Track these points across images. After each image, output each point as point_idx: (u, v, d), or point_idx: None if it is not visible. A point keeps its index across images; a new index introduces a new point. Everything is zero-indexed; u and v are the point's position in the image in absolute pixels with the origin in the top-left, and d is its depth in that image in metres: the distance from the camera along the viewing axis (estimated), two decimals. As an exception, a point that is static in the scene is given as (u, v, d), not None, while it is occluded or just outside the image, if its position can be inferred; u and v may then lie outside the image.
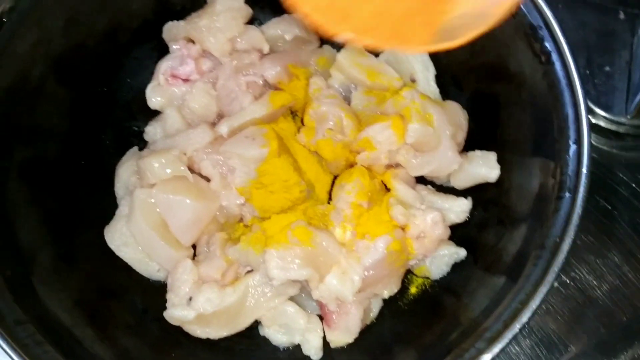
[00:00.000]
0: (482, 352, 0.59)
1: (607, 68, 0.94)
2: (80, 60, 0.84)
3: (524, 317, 0.59)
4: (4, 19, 0.73)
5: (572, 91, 0.67)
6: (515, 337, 0.76)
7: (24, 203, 0.76)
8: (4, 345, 0.60)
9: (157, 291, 0.83)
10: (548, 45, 0.69)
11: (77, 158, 0.85)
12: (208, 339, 0.79)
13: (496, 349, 0.59)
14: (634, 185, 0.88)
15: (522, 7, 0.72)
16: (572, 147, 0.65)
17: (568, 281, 0.84)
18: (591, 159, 0.64)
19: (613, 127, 0.92)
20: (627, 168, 0.89)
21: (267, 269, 0.73)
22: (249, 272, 0.79)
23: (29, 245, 0.73)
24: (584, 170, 0.63)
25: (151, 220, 0.79)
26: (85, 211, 0.84)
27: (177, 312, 0.77)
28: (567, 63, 0.68)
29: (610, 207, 0.87)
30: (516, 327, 0.59)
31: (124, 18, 0.87)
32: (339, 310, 0.77)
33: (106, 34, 0.86)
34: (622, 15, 0.98)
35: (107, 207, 0.86)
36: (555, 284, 0.83)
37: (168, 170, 0.81)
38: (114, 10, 0.85)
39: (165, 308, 0.80)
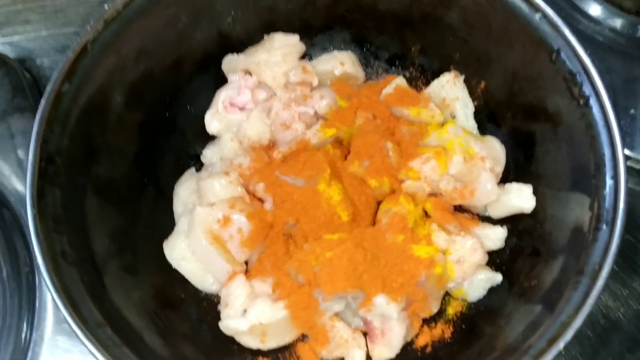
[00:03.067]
0: (527, 367, 0.65)
1: (632, 111, 1.01)
2: (148, 87, 0.91)
3: (568, 336, 0.65)
4: (88, 48, 0.80)
5: (610, 132, 0.73)
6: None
7: (96, 217, 0.82)
8: (90, 346, 0.66)
9: (210, 304, 0.90)
10: (586, 90, 0.76)
11: (141, 177, 0.92)
12: (258, 350, 0.85)
13: (542, 364, 0.64)
14: (656, 220, 0.95)
15: (562, 54, 0.78)
16: (609, 183, 0.71)
17: (595, 308, 0.90)
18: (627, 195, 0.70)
19: (637, 166, 0.98)
20: (649, 204, 0.96)
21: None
22: (300, 287, 0.85)
23: (101, 256, 0.79)
24: (622, 204, 0.69)
25: (210, 236, 0.85)
26: (146, 227, 0.90)
27: (232, 323, 0.83)
28: (604, 106, 0.74)
29: (634, 241, 0.93)
30: (560, 344, 0.65)
31: (189, 50, 0.94)
32: (383, 327, 0.83)
33: (172, 64, 0.93)
34: (645, 62, 1.05)
35: (164, 224, 0.92)
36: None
37: (227, 191, 0.87)
38: (181, 43, 0.92)
39: (217, 320, 0.86)
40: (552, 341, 0.65)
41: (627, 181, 0.70)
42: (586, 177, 0.75)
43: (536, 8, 0.80)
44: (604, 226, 0.70)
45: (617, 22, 1.11)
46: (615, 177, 0.71)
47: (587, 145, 0.76)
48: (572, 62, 0.78)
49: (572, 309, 0.67)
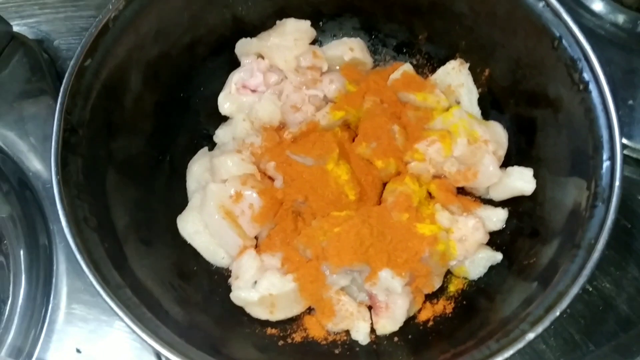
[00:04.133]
0: (525, 332, 0.68)
1: (630, 102, 1.04)
2: (164, 67, 0.94)
3: (564, 304, 0.68)
4: (110, 25, 0.84)
5: (607, 115, 0.76)
6: (542, 337, 0.86)
7: (115, 189, 0.85)
8: (113, 305, 0.69)
9: (221, 277, 0.93)
10: (586, 75, 0.79)
11: (156, 155, 0.95)
12: (267, 320, 0.88)
13: (540, 328, 0.67)
14: (651, 207, 0.98)
15: (563, 41, 0.82)
16: (606, 163, 0.74)
17: (591, 289, 0.93)
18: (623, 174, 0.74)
19: (634, 155, 1.01)
20: (645, 192, 1.00)
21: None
22: (308, 261, 0.88)
23: (120, 225, 0.83)
24: (617, 182, 0.73)
25: (222, 211, 0.88)
26: (160, 202, 0.94)
27: (243, 294, 0.86)
28: (603, 91, 0.77)
29: (630, 226, 0.97)
30: (557, 312, 0.68)
31: (204, 33, 0.97)
32: (387, 301, 0.86)
33: (187, 46, 0.96)
34: (644, 56, 1.09)
35: (177, 201, 0.96)
36: (580, 291, 0.93)
37: (240, 168, 0.91)
38: (197, 26, 0.95)
39: (227, 292, 0.89)
40: (549, 309, 0.69)
41: (622, 161, 0.73)
42: (584, 159, 0.78)
43: (539, -3, 0.84)
44: (600, 203, 0.73)
45: (619, 18, 1.14)
46: (612, 158, 0.74)
47: (585, 129, 0.79)
48: (573, 49, 0.81)
49: (569, 279, 0.70)
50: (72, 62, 0.80)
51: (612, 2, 1.16)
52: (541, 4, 0.84)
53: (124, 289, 0.73)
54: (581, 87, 0.80)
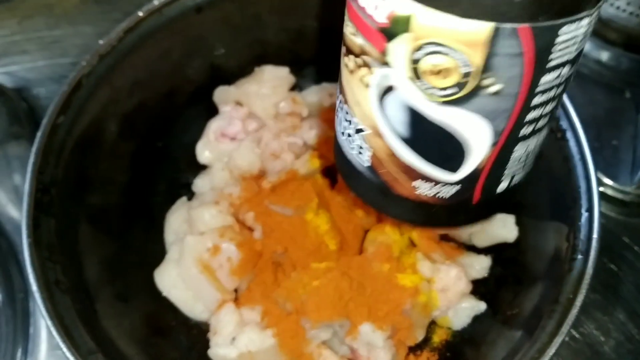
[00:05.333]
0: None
1: (615, 142, 1.03)
2: (141, 118, 0.93)
3: (541, 365, 0.67)
4: (82, 82, 0.83)
5: (585, 165, 0.76)
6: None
7: (89, 245, 0.84)
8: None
9: (200, 331, 0.91)
10: (563, 124, 0.79)
11: (133, 206, 0.94)
12: (247, 377, 0.86)
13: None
14: (637, 249, 0.96)
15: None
16: (584, 215, 0.74)
17: (577, 336, 0.91)
18: (601, 226, 0.73)
19: (619, 196, 1.00)
20: (631, 233, 0.98)
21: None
22: (288, 315, 0.86)
23: (93, 283, 0.81)
24: (595, 235, 0.72)
25: (200, 264, 0.87)
26: (137, 255, 0.92)
27: (221, 351, 0.84)
28: (580, 140, 0.77)
29: (616, 269, 0.95)
30: (534, 372, 0.67)
31: (181, 82, 0.97)
32: (369, 355, 0.84)
33: (164, 96, 0.96)
34: (628, 94, 1.08)
35: (155, 253, 0.94)
36: (566, 339, 0.91)
37: (217, 220, 0.89)
38: (174, 75, 0.95)
39: (206, 347, 0.87)
40: (527, 368, 0.67)
41: (600, 213, 0.72)
42: (564, 209, 0.78)
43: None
44: (579, 256, 0.72)
45: (603, 55, 1.14)
46: (590, 210, 0.73)
47: (564, 178, 0.78)
48: (551, 96, 0.80)
49: (547, 336, 0.69)
50: (44, 121, 0.79)
51: (596, 38, 1.16)
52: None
53: (96, 354, 0.71)
54: (559, 135, 0.80)
